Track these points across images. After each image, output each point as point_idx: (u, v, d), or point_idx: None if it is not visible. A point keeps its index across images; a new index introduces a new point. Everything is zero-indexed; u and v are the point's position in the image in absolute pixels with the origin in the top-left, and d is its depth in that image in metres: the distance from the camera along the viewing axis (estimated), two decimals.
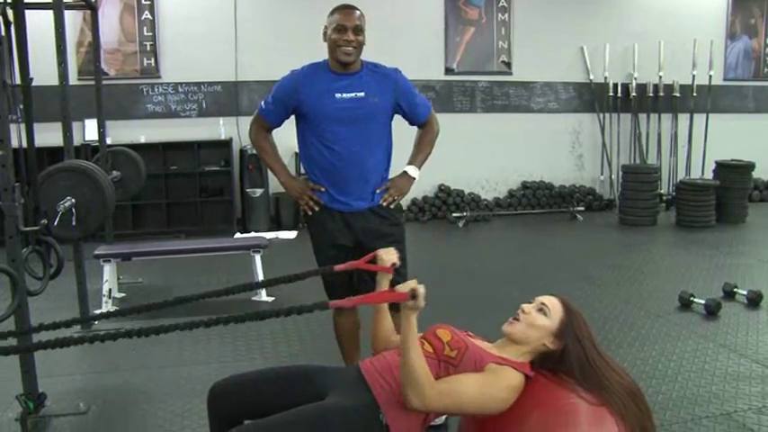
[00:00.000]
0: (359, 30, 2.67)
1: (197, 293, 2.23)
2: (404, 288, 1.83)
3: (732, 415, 2.88)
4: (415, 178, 2.91)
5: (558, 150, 8.77)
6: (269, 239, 5.35)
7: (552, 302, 2.01)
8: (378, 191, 2.81)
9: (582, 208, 8.37)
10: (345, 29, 2.64)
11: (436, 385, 1.81)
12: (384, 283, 2.26)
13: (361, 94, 2.71)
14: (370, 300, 1.85)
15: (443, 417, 2.72)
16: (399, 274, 2.85)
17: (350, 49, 2.66)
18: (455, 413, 2.02)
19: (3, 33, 2.66)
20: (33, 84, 2.93)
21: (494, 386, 1.85)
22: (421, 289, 1.80)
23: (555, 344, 1.96)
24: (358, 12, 2.69)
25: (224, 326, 1.89)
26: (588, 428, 1.82)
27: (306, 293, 4.60)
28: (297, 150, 3.83)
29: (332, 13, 2.70)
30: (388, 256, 2.26)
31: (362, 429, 1.86)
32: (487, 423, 1.93)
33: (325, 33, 2.73)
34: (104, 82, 5.45)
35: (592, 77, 8.63)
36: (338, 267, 2.35)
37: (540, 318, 1.97)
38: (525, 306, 2.03)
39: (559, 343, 1.96)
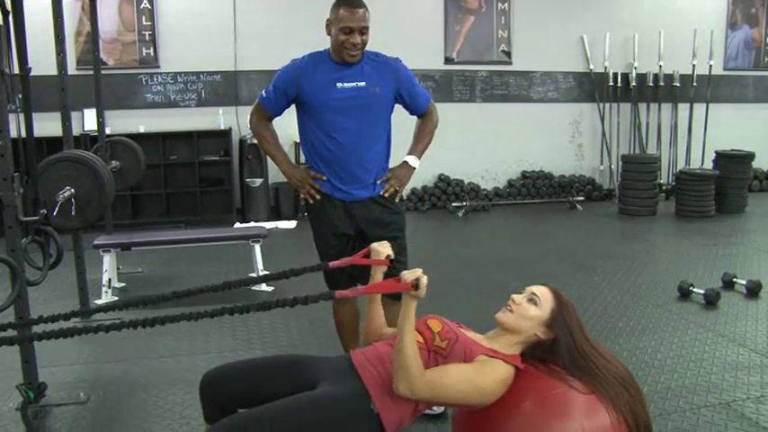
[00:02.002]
0: (365, 30, 2.64)
1: (197, 287, 2.22)
2: (409, 276, 1.85)
3: (731, 404, 2.89)
4: (415, 168, 2.91)
5: (557, 140, 8.76)
6: (268, 229, 5.36)
7: (542, 292, 2.01)
8: (378, 182, 2.81)
9: (581, 198, 8.38)
10: (352, 30, 2.61)
11: (426, 374, 1.83)
12: (378, 276, 2.27)
13: (362, 83, 2.70)
14: (376, 289, 1.87)
15: (441, 407, 2.73)
16: (400, 263, 2.87)
17: (356, 52, 2.65)
18: (443, 403, 2.03)
19: (1, 22, 2.64)
20: (32, 73, 2.92)
21: (482, 378, 1.86)
22: (424, 279, 1.83)
23: (546, 333, 1.97)
24: (362, 9, 2.64)
25: (224, 316, 1.90)
26: (579, 417, 1.82)
27: (306, 283, 4.61)
28: (297, 140, 3.79)
29: (337, 6, 2.64)
30: (383, 248, 2.28)
31: (353, 418, 1.87)
32: (479, 413, 1.94)
33: (328, 26, 2.70)
34: (103, 72, 5.43)
35: (592, 67, 8.60)
36: (334, 264, 2.34)
37: (531, 308, 1.98)
38: (516, 297, 2.03)
39: (550, 332, 1.96)
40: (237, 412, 1.92)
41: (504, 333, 2.01)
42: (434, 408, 2.73)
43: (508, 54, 8.43)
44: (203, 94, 7.60)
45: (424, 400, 1.90)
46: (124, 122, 7.16)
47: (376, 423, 1.88)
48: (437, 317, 2.08)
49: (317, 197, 2.82)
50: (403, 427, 1.96)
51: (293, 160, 4.35)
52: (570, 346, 1.93)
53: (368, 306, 2.27)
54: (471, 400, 1.87)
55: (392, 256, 2.24)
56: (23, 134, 2.97)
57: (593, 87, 8.67)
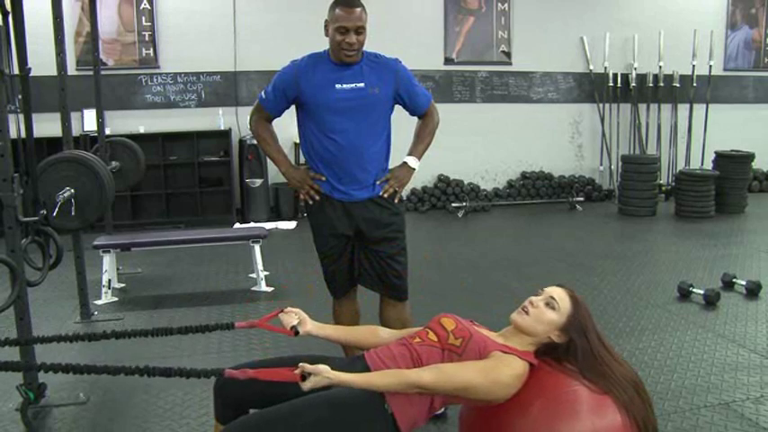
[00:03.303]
0: (361, 30, 2.63)
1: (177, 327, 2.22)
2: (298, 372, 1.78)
3: (730, 405, 2.90)
4: (414, 169, 2.90)
5: (557, 140, 8.76)
6: (268, 230, 5.35)
7: (560, 296, 2.00)
8: (378, 182, 2.81)
9: (581, 198, 8.38)
10: (348, 30, 2.60)
11: (425, 372, 1.82)
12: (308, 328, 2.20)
13: (361, 84, 2.69)
14: (267, 376, 1.83)
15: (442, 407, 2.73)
16: (399, 263, 2.87)
17: (352, 52, 2.65)
18: (461, 398, 2.03)
19: (0, 23, 2.64)
20: (31, 74, 2.92)
21: (498, 373, 1.86)
22: (308, 368, 1.75)
23: (561, 337, 1.97)
24: (359, 9, 2.63)
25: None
26: (591, 417, 1.82)
27: (305, 284, 4.62)
28: (297, 140, 3.77)
29: (333, 6, 2.65)
30: (288, 318, 2.18)
31: (367, 418, 1.87)
32: (490, 411, 1.93)
33: (326, 27, 2.70)
34: (103, 72, 5.43)
35: (592, 67, 8.60)
36: (239, 325, 2.21)
37: (549, 312, 1.97)
38: (534, 299, 2.02)
39: (565, 336, 1.97)
40: (249, 412, 1.92)
41: (518, 333, 2.01)
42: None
43: (508, 54, 8.43)
44: (203, 95, 7.60)
45: (442, 394, 1.89)
46: (124, 123, 7.17)
47: (390, 423, 1.88)
48: (451, 315, 2.08)
49: (317, 198, 2.82)
50: (418, 427, 1.96)
51: (293, 161, 4.36)
52: (585, 350, 1.93)
53: (343, 338, 2.29)
54: (489, 395, 1.86)
55: (297, 329, 2.14)
56: (23, 135, 2.97)
57: (592, 88, 8.68)
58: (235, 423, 1.82)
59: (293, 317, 2.17)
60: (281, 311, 2.18)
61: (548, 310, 1.98)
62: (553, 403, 1.86)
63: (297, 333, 2.13)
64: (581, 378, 1.89)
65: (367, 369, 1.98)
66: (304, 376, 1.75)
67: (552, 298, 1.99)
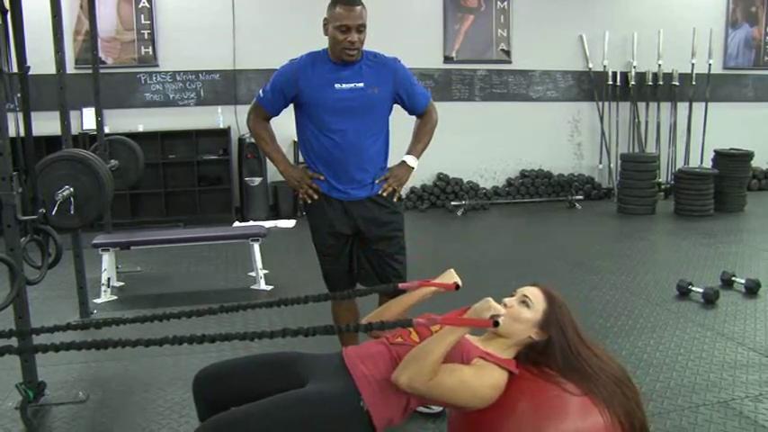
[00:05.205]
0: (362, 28, 2.63)
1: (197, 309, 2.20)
2: (484, 310, 1.83)
3: (729, 403, 2.90)
4: (413, 168, 2.90)
5: (556, 139, 8.76)
6: (268, 228, 5.35)
7: (534, 293, 1.99)
8: (377, 181, 2.81)
9: (580, 197, 8.38)
10: (349, 29, 2.59)
11: (433, 380, 1.81)
12: (425, 291, 2.29)
13: (360, 84, 2.69)
14: (454, 321, 1.85)
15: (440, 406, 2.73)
16: (398, 262, 2.87)
17: (354, 51, 2.65)
18: (437, 402, 2.03)
19: None
20: (30, 72, 2.92)
21: (477, 382, 1.85)
22: (501, 310, 1.84)
23: (539, 335, 1.95)
24: (359, 7, 2.62)
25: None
26: (574, 419, 1.82)
27: (304, 282, 4.61)
28: (295, 139, 3.78)
29: (333, 5, 2.63)
30: (453, 277, 2.28)
31: (342, 416, 1.87)
32: (475, 416, 1.93)
33: (325, 26, 2.69)
34: (102, 70, 5.41)
35: (591, 66, 8.60)
36: (402, 286, 2.32)
37: (524, 311, 1.96)
38: (507, 300, 2.01)
39: (543, 333, 1.95)
40: (230, 410, 1.92)
41: (498, 336, 1.99)
42: (433, 407, 2.73)
43: (507, 53, 8.43)
44: (202, 93, 7.59)
45: (418, 395, 1.88)
46: (123, 121, 7.15)
47: (365, 420, 1.88)
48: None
49: (315, 197, 2.81)
50: (394, 425, 1.96)
51: (293, 160, 4.34)
52: (563, 346, 1.92)
53: (387, 306, 2.29)
54: (465, 401, 1.86)
55: (459, 284, 2.24)
56: (22, 133, 2.97)
57: (592, 86, 8.67)
58: (213, 418, 1.82)
59: (454, 275, 2.29)
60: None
61: (522, 308, 1.97)
62: (537, 408, 1.85)
63: (458, 287, 2.24)
64: (561, 381, 1.87)
65: (343, 365, 1.98)
66: (496, 323, 1.81)
67: (525, 296, 1.99)
